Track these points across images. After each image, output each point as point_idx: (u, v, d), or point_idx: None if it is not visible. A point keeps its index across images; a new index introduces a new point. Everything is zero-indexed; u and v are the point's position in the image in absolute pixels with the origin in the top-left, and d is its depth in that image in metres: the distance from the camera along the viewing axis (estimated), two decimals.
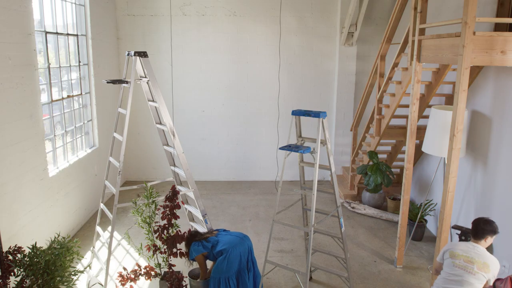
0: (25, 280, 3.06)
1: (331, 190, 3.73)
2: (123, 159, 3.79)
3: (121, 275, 3.57)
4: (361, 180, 6.28)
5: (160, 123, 4.29)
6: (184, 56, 6.78)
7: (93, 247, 4.41)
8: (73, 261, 3.73)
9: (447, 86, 5.03)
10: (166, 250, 3.70)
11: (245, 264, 3.65)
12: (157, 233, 3.68)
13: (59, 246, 3.30)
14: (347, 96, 6.92)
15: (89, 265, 3.68)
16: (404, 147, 6.03)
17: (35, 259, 3.15)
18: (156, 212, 3.81)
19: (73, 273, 3.30)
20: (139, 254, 3.96)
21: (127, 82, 3.90)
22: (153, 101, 4.15)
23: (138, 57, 3.87)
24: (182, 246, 3.90)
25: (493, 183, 4.01)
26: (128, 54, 3.94)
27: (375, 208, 5.82)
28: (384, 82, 5.17)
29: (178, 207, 3.67)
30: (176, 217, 3.67)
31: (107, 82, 3.93)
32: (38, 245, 4.03)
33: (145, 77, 4.00)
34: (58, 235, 3.52)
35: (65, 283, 3.20)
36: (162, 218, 3.66)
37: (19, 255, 3.14)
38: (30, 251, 3.19)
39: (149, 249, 3.71)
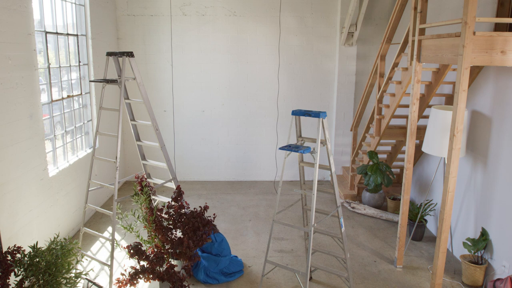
0: (24, 281, 3.06)
1: (331, 190, 3.73)
2: (120, 154, 3.86)
3: (119, 281, 3.54)
4: (361, 180, 6.28)
5: (134, 119, 4.52)
6: (184, 56, 6.78)
7: (92, 249, 4.41)
8: (76, 263, 3.74)
9: (447, 86, 5.03)
10: (167, 250, 3.69)
11: None
12: (156, 227, 3.68)
13: (59, 247, 3.30)
14: (347, 96, 6.92)
15: (91, 269, 3.69)
16: (404, 147, 6.04)
17: (36, 259, 3.15)
18: (158, 212, 3.81)
19: (77, 275, 3.30)
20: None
21: (111, 82, 4.00)
22: (128, 98, 4.40)
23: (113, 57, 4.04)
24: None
25: (493, 183, 4.01)
26: (110, 55, 4.10)
27: (375, 208, 5.82)
28: (384, 82, 5.17)
29: (183, 207, 3.68)
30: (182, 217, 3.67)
31: (90, 81, 4.03)
32: (38, 245, 4.03)
33: (134, 77, 4.15)
34: (58, 236, 3.52)
35: (68, 285, 3.20)
36: (166, 219, 3.66)
37: (18, 255, 3.13)
38: (31, 250, 3.19)
39: (153, 251, 3.70)
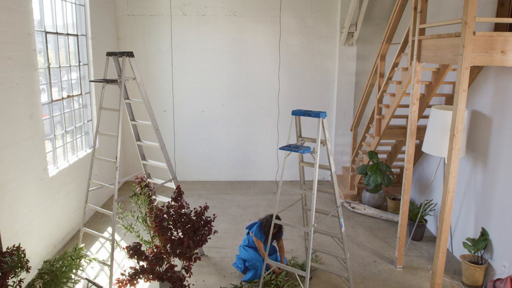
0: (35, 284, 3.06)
1: (331, 190, 3.73)
2: (119, 154, 3.88)
3: (119, 281, 3.54)
4: (361, 180, 6.28)
5: (134, 119, 4.52)
6: (184, 56, 6.78)
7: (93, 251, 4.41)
8: (79, 267, 3.74)
9: (447, 86, 5.03)
10: (168, 250, 3.68)
11: None
12: (156, 228, 3.67)
13: (69, 257, 3.30)
14: (347, 96, 6.92)
15: (92, 267, 3.70)
16: (404, 147, 6.03)
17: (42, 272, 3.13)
18: (158, 212, 3.80)
19: (77, 277, 3.30)
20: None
21: (111, 82, 4.00)
22: (128, 98, 4.41)
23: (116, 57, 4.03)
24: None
25: (493, 183, 4.01)
26: (110, 55, 4.08)
27: (375, 208, 5.82)
28: (384, 82, 5.17)
29: (183, 207, 3.68)
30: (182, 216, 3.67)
31: (90, 81, 4.01)
32: (37, 246, 4.04)
33: (134, 77, 4.14)
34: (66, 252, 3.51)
35: (69, 285, 3.20)
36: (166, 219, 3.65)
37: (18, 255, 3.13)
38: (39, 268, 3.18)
39: (152, 251, 3.70)
